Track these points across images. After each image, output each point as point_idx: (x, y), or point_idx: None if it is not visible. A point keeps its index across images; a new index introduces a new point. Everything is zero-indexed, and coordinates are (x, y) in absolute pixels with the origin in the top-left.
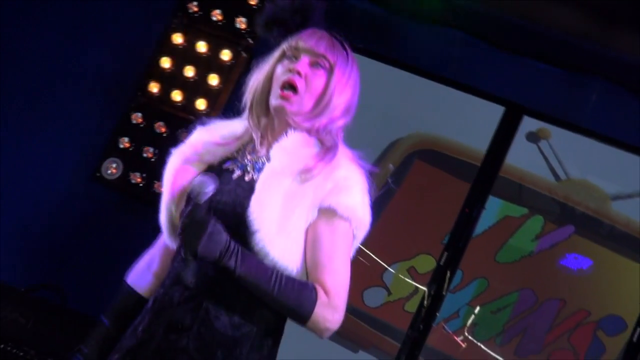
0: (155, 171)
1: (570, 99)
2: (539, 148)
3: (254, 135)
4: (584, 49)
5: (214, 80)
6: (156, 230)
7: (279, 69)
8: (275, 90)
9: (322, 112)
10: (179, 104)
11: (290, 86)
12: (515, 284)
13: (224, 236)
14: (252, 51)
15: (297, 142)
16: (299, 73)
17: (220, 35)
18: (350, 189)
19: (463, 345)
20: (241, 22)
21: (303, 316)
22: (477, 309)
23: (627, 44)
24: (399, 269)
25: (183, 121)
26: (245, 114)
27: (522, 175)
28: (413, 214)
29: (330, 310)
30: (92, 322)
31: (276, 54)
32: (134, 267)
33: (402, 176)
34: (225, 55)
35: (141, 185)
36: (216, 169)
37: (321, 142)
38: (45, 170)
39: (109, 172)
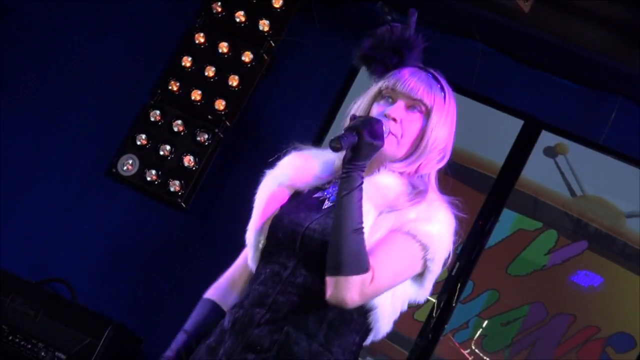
0: (170, 169)
1: (589, 115)
2: (556, 163)
3: None
4: (605, 65)
5: (234, 81)
6: (169, 229)
7: (375, 109)
8: None
9: (418, 158)
10: (198, 104)
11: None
12: (526, 297)
13: (375, 148)
14: (274, 53)
15: (389, 181)
16: (394, 120)
17: (243, 37)
18: (432, 220)
19: (470, 358)
20: (264, 25)
21: (345, 269)
22: (487, 321)
23: None
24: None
25: (201, 121)
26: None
27: (537, 189)
28: None
29: (362, 290)
30: (99, 318)
31: (372, 91)
32: (216, 285)
33: None
34: (247, 56)
35: (156, 182)
36: (305, 197)
37: (412, 185)
38: (62, 164)
39: (125, 168)
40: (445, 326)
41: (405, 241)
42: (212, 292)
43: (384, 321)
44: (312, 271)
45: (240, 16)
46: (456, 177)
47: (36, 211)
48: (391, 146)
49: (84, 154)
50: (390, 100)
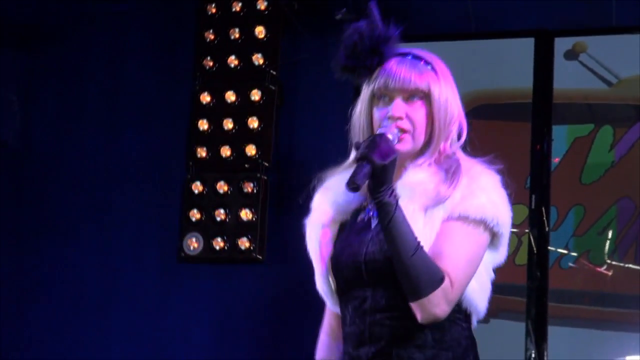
0: (233, 230)
1: (592, 5)
2: (581, 62)
3: None
4: None
5: (253, 123)
6: (257, 287)
7: (376, 114)
8: None
9: (437, 142)
10: (231, 158)
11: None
12: (610, 199)
13: (391, 170)
14: (279, 81)
15: (421, 176)
16: (400, 118)
17: (244, 79)
18: (476, 191)
19: (608, 273)
20: (258, 59)
21: (424, 291)
22: (584, 236)
23: None
24: None
25: (240, 173)
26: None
27: (574, 94)
28: None
29: (447, 299)
30: None
31: (366, 97)
32: (319, 344)
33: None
34: (255, 95)
35: (226, 248)
36: (351, 225)
37: (444, 169)
38: (131, 268)
39: (192, 248)
40: (548, 256)
41: (462, 226)
42: (320, 353)
43: (478, 300)
44: (389, 290)
45: (232, 61)
46: (496, 117)
47: (125, 320)
48: (407, 145)
49: (149, 252)
50: (387, 99)
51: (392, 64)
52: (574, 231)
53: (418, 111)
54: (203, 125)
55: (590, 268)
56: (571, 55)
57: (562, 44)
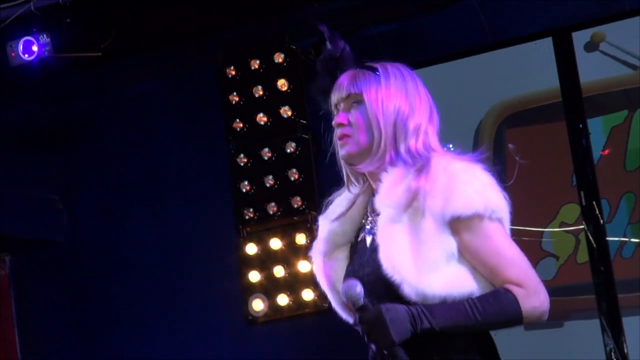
0: (294, 283)
1: None
2: (602, 52)
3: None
4: None
5: (293, 175)
6: (329, 334)
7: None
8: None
9: (380, 141)
10: (278, 214)
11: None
12: None
13: (401, 311)
14: (311, 129)
15: (390, 183)
16: (340, 125)
17: (276, 134)
18: (455, 189)
19: None
20: (286, 111)
21: (516, 320)
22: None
23: None
24: (551, 231)
25: (290, 226)
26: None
27: (602, 84)
28: (533, 176)
29: (532, 297)
30: None
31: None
32: None
33: (503, 150)
34: (290, 147)
35: (292, 302)
36: (355, 246)
37: (412, 168)
38: (203, 342)
39: (257, 309)
40: (609, 249)
41: (468, 230)
42: None
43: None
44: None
45: (261, 119)
46: (529, 123)
47: None
48: (351, 147)
49: (215, 318)
50: (336, 114)
51: (339, 79)
52: (629, 219)
53: (356, 114)
54: (245, 186)
55: None
56: (591, 46)
57: (580, 38)
